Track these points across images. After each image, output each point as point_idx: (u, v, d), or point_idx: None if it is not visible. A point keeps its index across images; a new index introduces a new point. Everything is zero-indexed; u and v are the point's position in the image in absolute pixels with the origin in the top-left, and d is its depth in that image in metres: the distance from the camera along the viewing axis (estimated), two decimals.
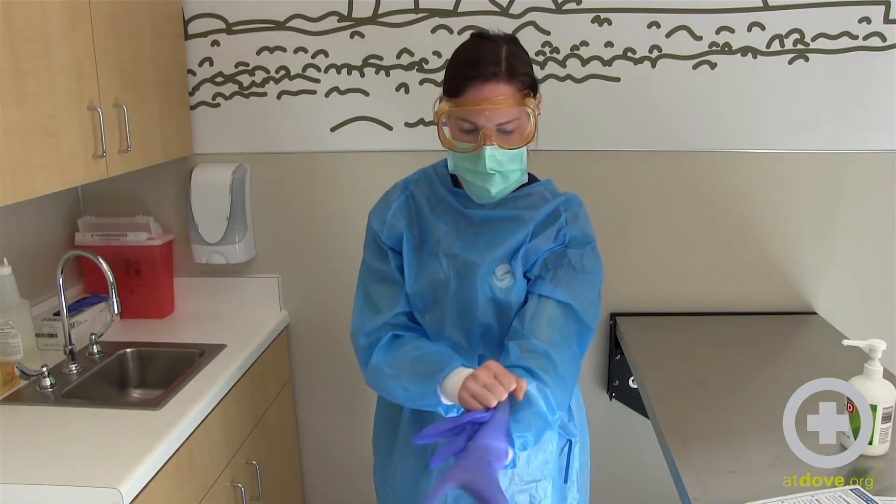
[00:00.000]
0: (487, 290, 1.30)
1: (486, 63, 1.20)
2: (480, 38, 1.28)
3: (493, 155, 1.22)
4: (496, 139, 1.22)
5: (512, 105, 1.20)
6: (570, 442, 1.42)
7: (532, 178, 1.38)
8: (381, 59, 2.08)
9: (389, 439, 1.45)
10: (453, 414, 1.25)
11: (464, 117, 1.23)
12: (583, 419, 1.52)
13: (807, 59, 2.01)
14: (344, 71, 2.10)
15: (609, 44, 2.03)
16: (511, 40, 1.27)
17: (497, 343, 1.33)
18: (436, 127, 1.27)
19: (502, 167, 1.24)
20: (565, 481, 1.42)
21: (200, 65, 2.13)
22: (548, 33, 2.03)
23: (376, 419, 1.53)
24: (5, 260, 1.73)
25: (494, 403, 1.11)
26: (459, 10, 2.03)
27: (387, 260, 1.36)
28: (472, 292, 1.30)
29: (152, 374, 1.99)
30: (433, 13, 2.04)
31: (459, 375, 1.18)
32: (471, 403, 1.13)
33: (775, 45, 2.01)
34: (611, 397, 2.25)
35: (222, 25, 2.10)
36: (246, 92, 2.14)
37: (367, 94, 2.11)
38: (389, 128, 2.13)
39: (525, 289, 1.30)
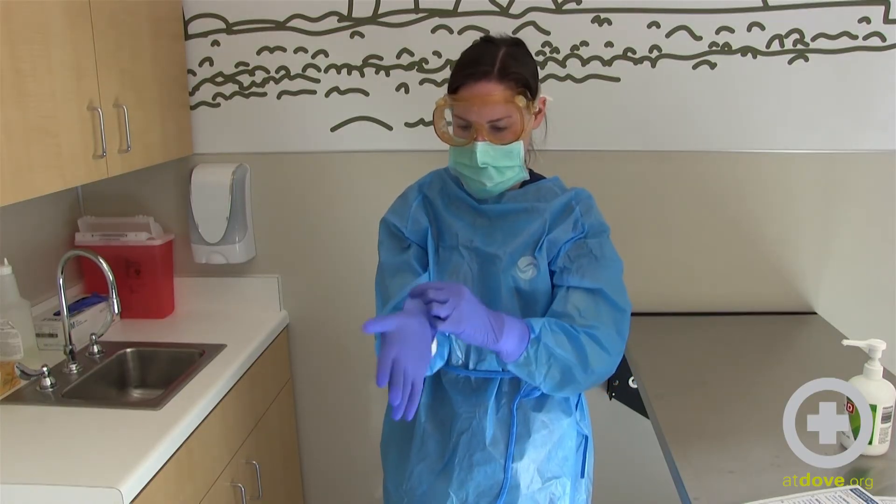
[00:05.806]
0: (511, 281, 1.32)
1: (480, 63, 1.26)
2: (485, 41, 1.34)
3: (486, 150, 1.26)
4: (488, 136, 1.26)
5: (500, 102, 1.24)
6: (586, 438, 1.47)
7: (538, 177, 1.42)
8: (381, 59, 2.08)
9: (404, 444, 1.46)
10: (438, 365, 1.31)
11: (458, 114, 1.28)
12: (588, 418, 1.54)
13: (807, 59, 2.01)
14: (344, 71, 2.10)
15: (609, 44, 2.03)
16: (514, 43, 1.32)
17: None
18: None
19: (495, 161, 1.28)
20: (582, 476, 1.46)
21: (200, 65, 2.13)
22: (548, 33, 2.03)
23: (385, 429, 1.53)
24: (5, 260, 1.73)
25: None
26: (459, 10, 2.03)
27: (406, 252, 1.39)
28: (494, 284, 1.33)
29: (152, 374, 1.99)
30: (433, 13, 2.04)
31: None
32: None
33: (775, 45, 2.00)
34: (611, 397, 2.25)
35: (222, 25, 2.10)
36: (246, 92, 2.14)
37: (367, 94, 2.11)
38: (389, 128, 2.13)
39: (548, 278, 1.33)
